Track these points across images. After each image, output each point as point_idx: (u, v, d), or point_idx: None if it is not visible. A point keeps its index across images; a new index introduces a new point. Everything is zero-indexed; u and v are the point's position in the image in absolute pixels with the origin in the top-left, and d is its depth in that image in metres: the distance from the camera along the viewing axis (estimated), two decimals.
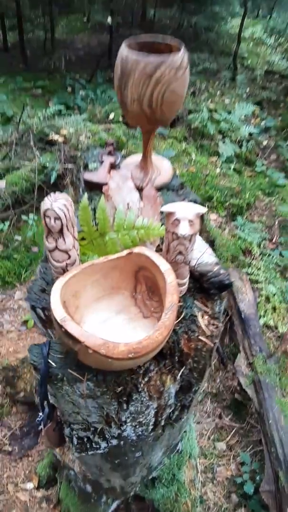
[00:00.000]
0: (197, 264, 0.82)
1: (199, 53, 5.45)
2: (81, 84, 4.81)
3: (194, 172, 3.17)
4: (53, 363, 0.67)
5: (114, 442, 0.80)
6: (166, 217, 0.74)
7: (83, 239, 0.84)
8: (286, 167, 3.72)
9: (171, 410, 0.82)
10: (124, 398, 0.70)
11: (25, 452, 1.93)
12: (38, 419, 0.80)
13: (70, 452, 1.18)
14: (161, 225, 0.77)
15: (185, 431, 1.13)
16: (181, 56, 0.86)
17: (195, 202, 1.02)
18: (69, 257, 0.74)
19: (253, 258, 2.68)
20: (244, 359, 2.16)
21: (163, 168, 1.12)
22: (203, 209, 0.71)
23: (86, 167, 1.15)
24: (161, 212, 0.75)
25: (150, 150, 1.08)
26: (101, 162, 1.11)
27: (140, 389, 0.70)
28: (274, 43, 5.63)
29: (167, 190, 1.09)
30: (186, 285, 0.81)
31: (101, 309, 0.73)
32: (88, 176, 1.07)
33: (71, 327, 0.56)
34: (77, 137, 2.94)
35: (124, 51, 0.87)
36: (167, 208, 0.73)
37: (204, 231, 2.87)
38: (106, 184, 0.85)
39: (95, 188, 1.07)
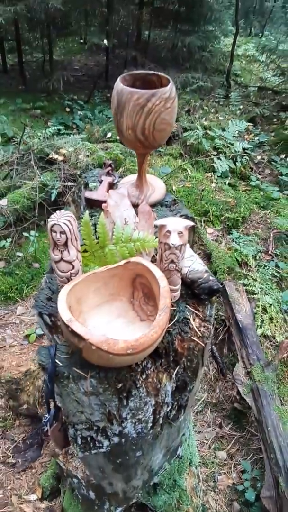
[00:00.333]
0: (188, 272, 0.90)
1: (193, 72, 5.62)
2: (79, 105, 4.95)
3: (190, 187, 3.26)
4: (59, 363, 0.74)
5: (116, 439, 0.85)
6: (158, 229, 0.83)
7: (85, 251, 0.93)
8: (279, 181, 3.82)
9: (168, 409, 0.88)
10: (124, 394, 0.76)
11: (29, 464, 1.95)
12: (44, 420, 0.86)
13: (73, 459, 1.22)
14: (155, 238, 0.86)
15: (183, 434, 1.18)
16: (169, 89, 0.97)
17: (186, 216, 1.11)
18: (73, 267, 0.83)
19: (249, 270, 2.75)
20: (242, 368, 2.20)
21: (157, 186, 1.22)
22: (190, 223, 0.80)
23: (86, 186, 1.25)
24: (155, 226, 0.84)
25: (145, 170, 1.19)
26: (100, 181, 1.21)
27: (138, 385, 0.77)
28: (266, 60, 5.81)
29: (161, 206, 1.19)
30: (179, 291, 0.89)
31: (102, 314, 0.81)
32: (88, 194, 1.17)
33: (77, 327, 0.64)
34: (76, 156, 3.04)
35: (119, 85, 0.98)
36: (159, 222, 0.82)
37: (201, 245, 2.94)
38: (105, 201, 0.94)
39: (95, 206, 1.17)
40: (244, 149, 3.90)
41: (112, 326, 0.79)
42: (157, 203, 1.20)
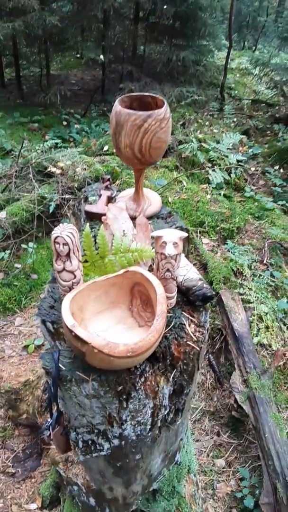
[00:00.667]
0: (184, 280, 0.96)
1: (188, 86, 5.72)
2: (76, 118, 5.04)
3: (186, 199, 3.32)
4: (62, 367, 0.79)
5: (116, 442, 0.89)
6: (155, 241, 0.89)
7: (86, 261, 0.98)
8: (273, 191, 3.90)
9: (166, 412, 0.92)
10: (124, 396, 0.80)
11: (28, 473, 1.97)
12: (46, 424, 0.89)
13: (73, 467, 1.25)
14: (152, 248, 0.92)
15: (181, 439, 1.22)
16: (164, 110, 1.05)
17: (181, 228, 1.17)
18: (75, 277, 0.88)
19: (245, 279, 2.79)
20: (239, 376, 2.23)
21: (153, 199, 1.29)
22: (185, 234, 0.86)
23: (86, 199, 1.30)
24: (152, 237, 0.89)
25: (141, 184, 1.26)
26: (100, 195, 1.27)
27: (137, 388, 0.81)
28: (259, 73, 5.94)
29: (157, 218, 1.26)
30: (175, 299, 0.95)
31: (102, 320, 0.85)
32: (88, 208, 1.24)
33: (80, 332, 0.68)
34: (73, 169, 3.10)
35: (118, 107, 1.06)
36: (156, 233, 0.88)
37: (197, 255, 2.99)
38: (104, 214, 1.00)
39: (95, 218, 1.23)
40: (238, 161, 3.98)
41: (112, 332, 0.83)
42: (154, 215, 1.26)
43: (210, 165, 3.89)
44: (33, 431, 2.11)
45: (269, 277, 2.85)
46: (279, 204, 3.69)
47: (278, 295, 2.80)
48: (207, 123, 4.99)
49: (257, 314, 2.56)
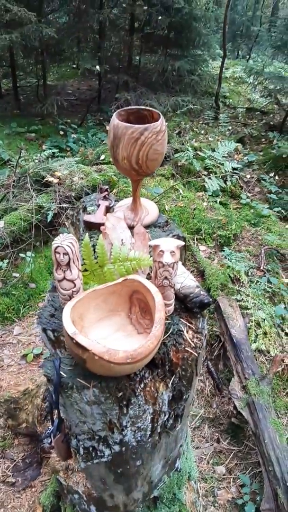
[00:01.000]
0: (181, 287, 0.98)
1: (183, 95, 5.79)
2: (72, 128, 5.08)
3: (183, 206, 3.36)
4: (64, 374, 0.80)
5: (117, 448, 0.90)
6: (153, 249, 0.91)
7: (85, 270, 1.00)
8: (269, 198, 3.94)
9: (165, 418, 0.93)
10: (124, 402, 0.82)
11: (28, 483, 1.97)
12: (47, 431, 0.91)
13: (73, 475, 1.26)
14: (150, 257, 0.94)
15: (181, 446, 1.23)
16: (160, 123, 1.08)
17: (178, 236, 1.20)
18: (75, 285, 0.90)
19: (242, 286, 2.81)
20: (238, 382, 2.24)
21: (150, 209, 1.32)
22: (181, 242, 0.89)
23: (85, 209, 1.33)
24: (150, 246, 0.92)
25: (139, 194, 1.29)
26: (98, 205, 1.29)
27: (137, 394, 0.83)
28: (254, 82, 6.02)
29: (154, 227, 1.29)
30: (173, 306, 0.97)
31: (102, 328, 0.87)
32: (87, 218, 1.26)
33: (81, 339, 0.70)
34: (71, 179, 3.13)
35: (115, 120, 1.10)
36: (153, 242, 0.90)
37: (194, 262, 3.02)
38: (103, 224, 1.03)
39: (93, 228, 1.26)
40: (234, 168, 4.03)
41: (112, 339, 0.85)
42: (151, 224, 1.29)
43: (206, 173, 3.93)
44: (33, 440, 2.11)
45: (266, 283, 2.87)
46: (274, 211, 3.73)
47: (276, 301, 2.82)
48: (202, 131, 5.04)
49: (254, 320, 2.58)
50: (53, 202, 3.02)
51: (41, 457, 2.05)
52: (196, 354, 0.91)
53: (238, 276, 2.85)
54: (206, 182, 3.72)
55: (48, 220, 2.94)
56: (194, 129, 5.03)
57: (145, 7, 5.64)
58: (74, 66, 7.55)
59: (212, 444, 2.23)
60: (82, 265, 0.96)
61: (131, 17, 6.10)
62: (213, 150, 4.24)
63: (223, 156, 4.14)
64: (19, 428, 2.10)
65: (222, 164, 4.00)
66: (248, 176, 4.27)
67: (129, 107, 1.20)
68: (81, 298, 0.83)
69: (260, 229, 3.43)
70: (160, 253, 0.87)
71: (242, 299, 2.69)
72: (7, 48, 4.93)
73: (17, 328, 2.62)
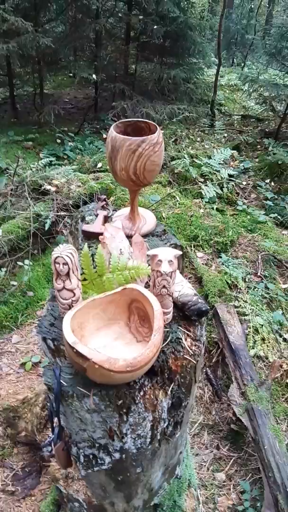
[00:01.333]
0: (179, 296, 0.99)
1: (179, 103, 5.84)
2: (69, 136, 5.11)
3: (180, 213, 3.38)
4: (64, 383, 0.81)
5: (117, 455, 0.91)
6: (151, 259, 0.93)
7: (85, 279, 1.01)
8: (265, 204, 3.97)
9: (165, 425, 0.94)
10: (124, 410, 0.83)
11: (28, 491, 1.96)
12: (48, 440, 0.91)
13: (73, 483, 1.26)
14: (148, 266, 0.96)
15: (181, 452, 1.23)
16: (157, 135, 1.11)
17: (175, 245, 1.22)
18: (74, 295, 0.91)
19: (240, 292, 2.83)
20: (237, 389, 2.25)
21: (148, 218, 1.34)
22: (179, 252, 0.90)
23: (83, 219, 1.34)
24: (148, 255, 0.93)
25: (137, 204, 1.32)
26: (96, 215, 1.31)
27: (137, 401, 0.84)
28: (249, 89, 6.08)
29: (152, 236, 1.31)
30: (171, 314, 0.98)
31: (102, 337, 0.88)
32: (86, 227, 1.28)
33: (81, 348, 0.71)
34: (68, 187, 3.15)
35: (113, 133, 1.12)
36: (151, 252, 0.92)
37: (192, 269, 3.03)
38: (102, 234, 1.05)
39: (92, 238, 1.28)
40: (230, 175, 4.06)
41: (111, 347, 0.86)
42: (149, 233, 1.31)
43: (202, 180, 3.96)
44: (32, 449, 2.11)
45: (264, 289, 2.88)
46: (271, 217, 3.75)
47: (273, 306, 2.83)
48: (198, 139, 5.09)
49: (252, 326, 2.59)
50: (50, 210, 3.04)
51: (40, 465, 2.04)
52: (194, 362, 0.92)
53: (236, 283, 2.87)
54: (203, 189, 3.75)
55: (46, 228, 2.95)
56: (190, 136, 5.08)
57: (141, 17, 5.69)
58: (71, 75, 7.60)
59: (212, 451, 2.23)
60: (81, 274, 0.98)
61: (126, 27, 6.16)
62: (209, 157, 4.28)
63: (219, 163, 4.18)
64: (18, 437, 2.10)
65: (218, 171, 4.03)
66: (244, 183, 4.30)
67: (127, 120, 1.22)
68: (80, 308, 0.85)
69: (256, 235, 3.45)
70: (158, 262, 0.89)
71: (240, 305, 2.70)
72: (4, 57, 4.97)
73: (15, 336, 2.61)
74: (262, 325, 2.61)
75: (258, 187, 4.23)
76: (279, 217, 3.78)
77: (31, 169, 3.42)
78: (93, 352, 0.72)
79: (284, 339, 2.64)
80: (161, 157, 1.14)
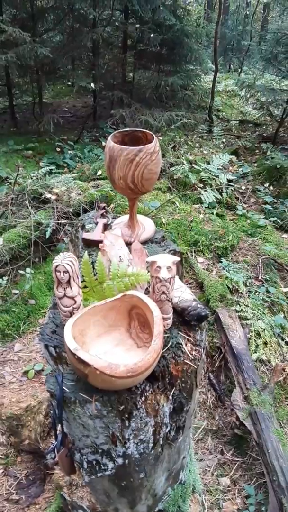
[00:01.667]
0: (179, 301, 1.01)
1: (177, 110, 5.89)
2: (69, 145, 5.15)
3: (179, 219, 3.40)
4: (66, 389, 0.82)
5: (120, 461, 0.92)
6: (150, 265, 0.94)
7: (85, 287, 1.03)
8: (264, 209, 3.98)
9: (167, 430, 0.95)
10: (126, 415, 0.84)
11: (32, 500, 1.96)
12: (51, 446, 0.92)
13: (77, 490, 1.26)
14: (147, 272, 0.97)
15: (184, 457, 1.24)
16: (154, 144, 1.13)
17: (174, 251, 1.23)
18: (75, 302, 0.93)
19: (241, 296, 2.84)
20: (240, 393, 2.25)
21: (147, 225, 1.36)
22: (177, 258, 0.92)
23: (83, 227, 1.36)
24: (147, 262, 0.95)
25: (135, 212, 1.34)
26: (96, 223, 1.33)
27: (138, 407, 0.85)
28: (246, 95, 6.13)
29: (151, 242, 1.33)
30: (171, 319, 1.00)
31: (103, 343, 0.90)
32: (86, 235, 1.31)
33: (82, 354, 0.73)
34: (68, 195, 3.18)
35: (111, 143, 1.15)
36: (150, 258, 0.94)
37: (193, 274, 3.04)
38: (101, 242, 1.07)
39: (92, 245, 1.30)
40: (229, 180, 4.08)
41: (112, 354, 0.88)
42: (148, 240, 1.33)
43: (201, 185, 3.98)
44: (36, 457, 2.11)
45: (265, 293, 2.89)
46: (270, 221, 3.77)
47: (275, 310, 2.83)
48: (197, 145, 5.12)
49: (254, 330, 2.59)
50: (51, 219, 3.06)
51: (44, 473, 2.04)
52: (195, 366, 0.93)
53: (237, 287, 2.87)
54: (202, 195, 3.77)
55: (47, 236, 2.97)
56: (189, 142, 5.11)
57: (137, 25, 5.77)
58: (69, 84, 7.67)
59: (216, 456, 2.23)
60: (82, 282, 1.00)
61: (123, 35, 6.23)
62: (208, 163, 4.31)
63: (218, 169, 4.20)
64: (22, 445, 2.10)
65: (217, 176, 4.06)
66: (243, 187, 4.32)
67: (124, 130, 1.25)
68: (81, 315, 0.86)
69: (257, 239, 3.47)
70: (157, 268, 0.90)
71: (242, 309, 2.71)
72: (3, 68, 5.03)
73: (17, 345, 2.62)
74: (264, 329, 2.61)
75: (257, 192, 4.25)
76: (278, 220, 3.80)
77: (31, 178, 3.45)
78: (94, 358, 0.74)
79: (286, 343, 2.64)
80: (158, 165, 1.16)
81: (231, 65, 11.83)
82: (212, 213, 3.70)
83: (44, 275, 3.00)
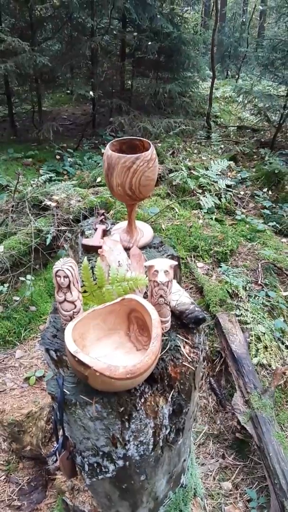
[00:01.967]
0: (177, 304, 1.03)
1: (175, 116, 5.94)
2: (68, 152, 5.19)
3: (179, 225, 3.42)
4: (67, 392, 0.84)
5: (121, 463, 0.93)
6: (148, 269, 0.96)
7: (85, 291, 1.05)
8: (263, 213, 4.01)
9: (167, 432, 0.96)
10: (126, 417, 0.85)
11: (34, 506, 1.96)
12: (53, 449, 0.94)
13: (79, 495, 1.27)
14: (145, 277, 0.99)
15: (184, 460, 1.25)
16: (151, 152, 1.16)
17: (172, 256, 1.26)
18: (75, 306, 0.95)
19: (241, 301, 2.85)
20: (240, 397, 2.25)
21: (145, 231, 1.39)
22: (174, 262, 0.94)
23: (83, 233, 1.39)
24: (145, 266, 0.97)
25: (134, 218, 1.37)
26: (95, 229, 1.36)
27: (138, 408, 0.87)
28: (243, 101, 6.18)
29: (149, 248, 1.35)
30: (169, 323, 1.02)
31: (102, 347, 0.92)
32: (85, 241, 1.33)
33: (82, 357, 0.75)
34: (68, 202, 3.20)
35: (109, 151, 1.18)
36: (148, 263, 0.96)
37: (192, 279, 3.06)
38: (100, 247, 1.09)
39: (91, 251, 1.33)
40: (227, 185, 4.11)
41: (111, 357, 0.90)
42: (146, 245, 1.36)
43: (200, 191, 4.01)
44: (38, 463, 2.11)
45: (265, 297, 2.90)
46: (269, 225, 3.79)
47: (275, 314, 2.84)
48: (195, 151, 5.16)
49: (254, 334, 2.60)
50: (51, 226, 3.08)
51: (46, 479, 2.05)
52: (193, 368, 0.95)
53: (237, 291, 2.89)
54: (201, 200, 3.80)
55: (47, 243, 2.99)
56: (187, 149, 5.15)
57: (135, 33, 5.83)
58: (68, 92, 7.73)
59: (218, 460, 2.23)
60: (81, 286, 1.02)
61: (122, 43, 6.30)
62: (207, 169, 4.34)
63: (216, 174, 4.24)
64: (24, 451, 2.10)
65: (216, 182, 4.09)
66: (242, 193, 4.35)
67: (122, 138, 1.28)
68: (81, 318, 0.88)
69: (256, 244, 3.48)
70: (154, 272, 0.92)
71: (241, 314, 2.72)
72: (2, 77, 5.08)
73: (18, 351, 2.63)
74: (264, 333, 2.62)
75: (255, 197, 4.28)
76: (277, 225, 3.82)
77: (31, 186, 3.48)
78: (94, 360, 0.75)
79: (287, 347, 2.65)
80: (155, 172, 1.19)
81: (229, 72, 11.92)
82: (211, 218, 3.73)
83: (44, 282, 3.01)
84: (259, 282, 3.08)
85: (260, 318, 2.73)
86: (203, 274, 3.10)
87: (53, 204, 3.17)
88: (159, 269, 0.92)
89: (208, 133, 5.95)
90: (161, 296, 0.93)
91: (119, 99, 5.94)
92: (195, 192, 3.98)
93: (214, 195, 3.91)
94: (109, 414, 0.83)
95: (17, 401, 2.27)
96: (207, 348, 2.57)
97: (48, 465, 2.02)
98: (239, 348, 2.42)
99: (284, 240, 3.71)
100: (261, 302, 2.87)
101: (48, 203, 3.17)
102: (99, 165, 4.70)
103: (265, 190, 4.43)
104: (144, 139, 1.23)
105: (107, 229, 1.38)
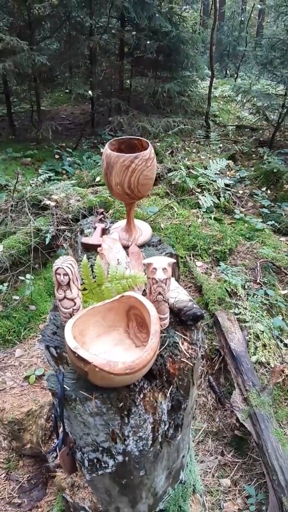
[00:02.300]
0: (175, 302, 1.04)
1: (174, 116, 5.94)
2: (67, 151, 5.19)
3: (178, 224, 3.43)
4: (67, 388, 0.85)
5: (120, 458, 0.94)
6: (146, 267, 0.98)
7: (85, 289, 1.07)
8: (262, 212, 4.02)
9: (166, 427, 0.98)
10: (125, 412, 0.87)
11: (34, 504, 1.97)
12: (53, 445, 0.95)
13: (79, 491, 1.28)
14: (144, 274, 1.01)
15: (183, 456, 1.26)
16: (149, 151, 1.18)
17: (170, 254, 1.27)
18: (75, 304, 0.96)
19: (239, 299, 2.86)
20: (239, 395, 2.27)
21: (143, 229, 1.40)
22: (172, 260, 0.96)
23: (82, 232, 1.40)
24: (144, 264, 0.98)
25: (132, 216, 1.38)
26: (94, 228, 1.37)
27: (137, 403, 0.88)
28: (242, 100, 6.19)
29: (148, 246, 1.37)
30: (168, 319, 1.03)
31: (102, 343, 0.93)
32: (85, 240, 1.35)
33: (82, 353, 0.76)
34: (67, 201, 3.21)
35: (108, 150, 1.19)
36: (146, 260, 0.97)
37: (191, 278, 3.07)
38: (100, 246, 1.11)
39: (91, 249, 1.34)
40: (226, 185, 4.12)
41: (111, 353, 0.91)
42: (145, 243, 1.37)
43: (199, 190, 4.02)
44: (38, 461, 2.12)
45: (263, 296, 2.91)
46: (268, 224, 3.80)
47: (273, 312, 2.86)
48: (194, 150, 5.17)
49: (253, 332, 2.62)
50: (51, 225, 3.09)
51: (46, 477, 2.06)
52: (191, 364, 0.96)
53: (235, 290, 2.90)
54: (200, 199, 3.81)
55: (47, 242, 3.00)
56: (186, 148, 5.16)
57: (134, 32, 5.83)
58: (67, 91, 7.73)
59: (217, 457, 2.24)
60: (81, 284, 1.03)
61: (120, 43, 6.30)
62: (206, 168, 4.35)
63: (215, 173, 4.25)
64: (24, 449, 2.11)
65: (215, 181, 4.10)
66: (241, 192, 4.36)
67: (120, 137, 1.29)
68: (81, 316, 0.89)
69: (255, 243, 3.50)
70: (153, 270, 0.94)
71: (240, 312, 2.73)
72: (1, 76, 5.08)
73: (18, 350, 2.64)
74: (263, 331, 2.64)
75: (254, 196, 4.29)
76: (276, 224, 3.83)
77: (30, 185, 3.48)
78: (94, 356, 0.77)
79: (285, 345, 2.66)
80: (154, 171, 1.21)
81: (227, 71, 11.92)
82: (210, 218, 3.74)
83: (44, 281, 3.02)
84: (258, 281, 3.09)
85: (258, 316, 2.74)
86: (202, 273, 3.11)
87: (52, 203, 3.18)
88: (157, 266, 0.93)
89: (207, 132, 5.96)
90: (159, 293, 0.94)
91: (118, 99, 5.94)
92: (194, 191, 3.99)
93: (213, 194, 3.92)
94: (108, 409, 0.85)
95: (17, 400, 2.28)
96: (206, 346, 2.59)
97: (48, 463, 2.03)
98: (238, 346, 2.43)
99: (282, 239, 3.72)
100: (259, 300, 2.88)
101: (47, 202, 3.18)
102: (98, 164, 4.70)
103: (263, 189, 4.44)
104: (143, 138, 1.24)
105: (106, 227, 1.39)
